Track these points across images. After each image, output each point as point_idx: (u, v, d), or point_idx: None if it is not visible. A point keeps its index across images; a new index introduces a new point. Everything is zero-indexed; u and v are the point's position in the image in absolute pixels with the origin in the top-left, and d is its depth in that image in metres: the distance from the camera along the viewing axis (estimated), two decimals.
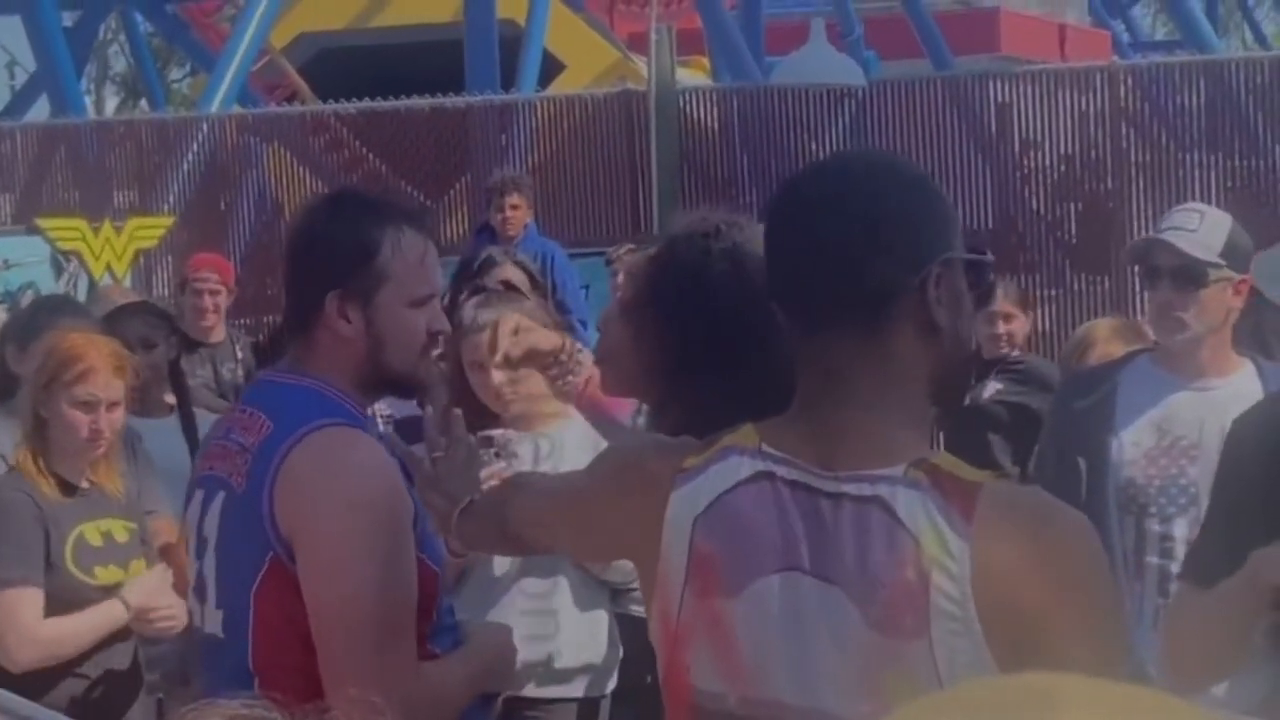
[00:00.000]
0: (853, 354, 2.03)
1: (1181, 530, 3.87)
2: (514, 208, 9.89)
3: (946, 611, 1.94)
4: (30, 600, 4.00)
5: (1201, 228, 3.88)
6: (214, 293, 7.47)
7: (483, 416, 4.11)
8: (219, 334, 7.50)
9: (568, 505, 2.36)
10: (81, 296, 9.27)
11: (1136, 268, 4.45)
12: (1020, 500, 2.08)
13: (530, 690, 4.21)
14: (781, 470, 2.05)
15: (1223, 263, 3.84)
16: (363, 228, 2.79)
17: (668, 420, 2.93)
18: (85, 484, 4.15)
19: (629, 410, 3.56)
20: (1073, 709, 0.70)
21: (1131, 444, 3.92)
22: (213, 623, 2.80)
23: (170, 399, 5.47)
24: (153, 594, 4.11)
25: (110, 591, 4.09)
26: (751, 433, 2.12)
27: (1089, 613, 1.97)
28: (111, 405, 4.12)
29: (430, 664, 2.76)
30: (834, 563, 2.00)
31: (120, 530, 4.17)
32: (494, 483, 2.86)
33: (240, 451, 2.75)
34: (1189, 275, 3.85)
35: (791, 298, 2.08)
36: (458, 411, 2.83)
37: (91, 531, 4.12)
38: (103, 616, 4.08)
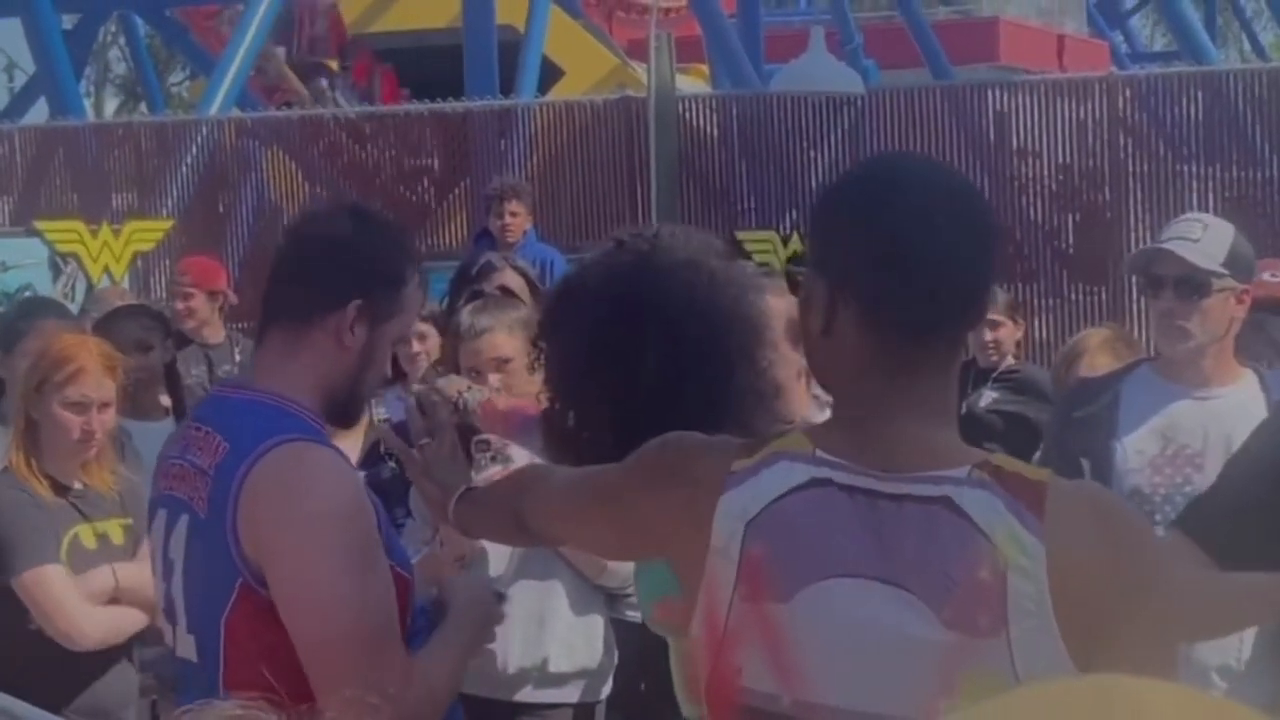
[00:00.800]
0: (935, 364, 2.07)
1: None
2: (513, 214, 9.90)
3: (1024, 609, 1.95)
4: (63, 579, 4.00)
5: (1204, 237, 3.88)
6: (188, 295, 7.52)
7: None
8: (218, 335, 7.51)
9: (595, 499, 2.32)
10: (79, 299, 9.29)
11: (1137, 278, 4.45)
12: (1087, 496, 2.11)
13: (525, 695, 4.20)
14: (838, 475, 2.05)
15: (1226, 272, 3.84)
16: (398, 254, 2.82)
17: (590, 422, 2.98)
18: (77, 485, 4.14)
19: (533, 411, 3.63)
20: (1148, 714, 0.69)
21: (1135, 452, 3.92)
22: (185, 647, 2.77)
23: (166, 401, 5.48)
24: None
25: (98, 597, 4.08)
26: (803, 439, 2.12)
27: (1157, 609, 2.01)
28: (103, 406, 4.12)
29: (420, 656, 2.74)
30: (901, 565, 2.00)
31: (116, 531, 4.16)
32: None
33: (198, 474, 2.71)
34: (1192, 285, 3.85)
35: (892, 307, 2.05)
36: (434, 397, 2.84)
37: (86, 534, 4.12)
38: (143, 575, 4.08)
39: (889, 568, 2.00)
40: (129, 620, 4.08)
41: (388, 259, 2.80)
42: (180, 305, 7.51)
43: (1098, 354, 5.03)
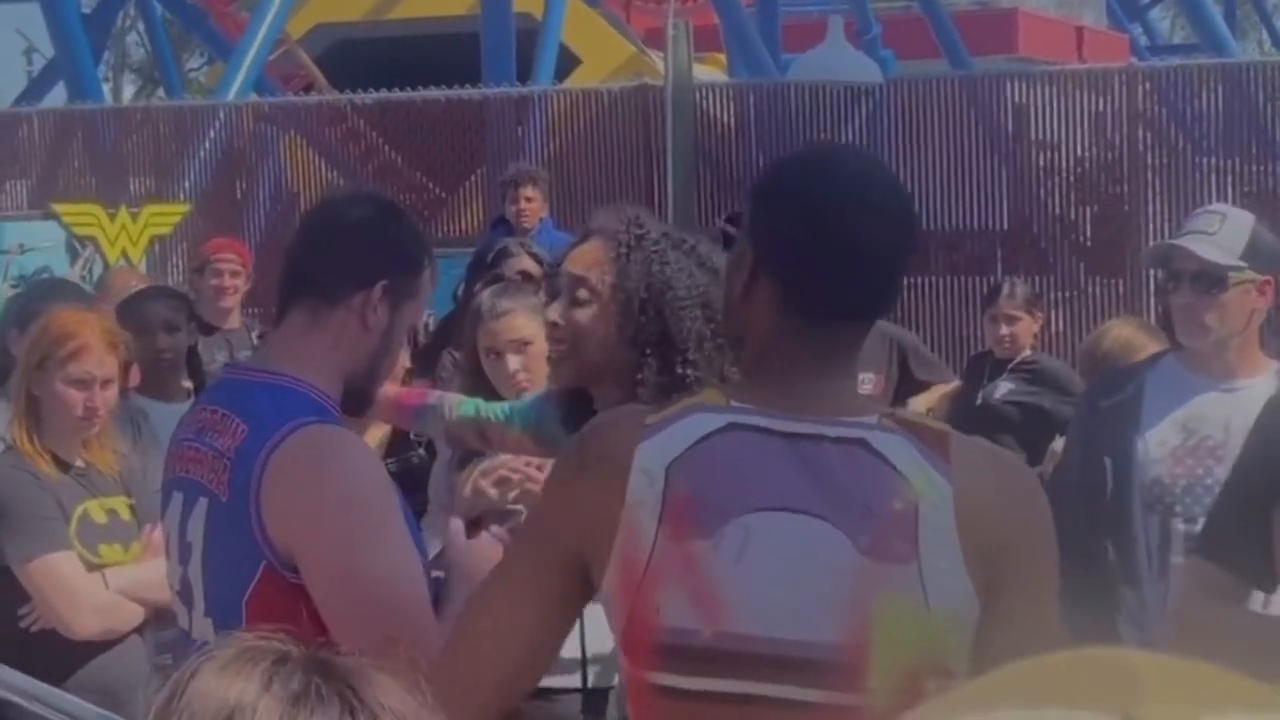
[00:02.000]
0: (845, 340, 2.23)
1: None
2: (529, 200, 9.90)
3: (933, 539, 2.11)
4: (73, 563, 4.00)
5: (1221, 230, 3.87)
6: (235, 273, 7.46)
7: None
8: (234, 320, 7.50)
9: (501, 575, 2.35)
10: (96, 282, 9.29)
11: (1156, 272, 4.45)
12: (987, 449, 2.29)
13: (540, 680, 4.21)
14: (755, 420, 2.17)
15: (1244, 265, 3.83)
16: (419, 240, 2.91)
17: (614, 403, 3.04)
18: (79, 463, 4.13)
19: (426, 399, 3.66)
20: (1155, 690, 0.70)
21: (1158, 443, 3.92)
22: (202, 630, 2.77)
23: (188, 384, 5.50)
24: None
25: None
26: (715, 393, 2.26)
27: (1045, 557, 2.21)
28: (105, 383, 4.11)
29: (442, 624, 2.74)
30: (819, 498, 2.12)
31: (123, 508, 4.16)
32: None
33: (217, 457, 2.71)
34: (1209, 280, 3.84)
35: (808, 292, 2.20)
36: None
37: (96, 509, 4.11)
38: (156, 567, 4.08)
39: (811, 501, 2.12)
40: (126, 615, 4.07)
41: (410, 244, 2.87)
42: (228, 282, 7.44)
43: (1129, 344, 5.03)
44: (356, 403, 2.87)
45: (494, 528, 2.97)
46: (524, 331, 4.27)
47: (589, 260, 3.12)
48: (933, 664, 2.11)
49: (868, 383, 6.68)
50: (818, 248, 2.17)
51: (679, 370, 3.02)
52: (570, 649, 4.16)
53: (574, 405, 3.22)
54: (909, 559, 2.10)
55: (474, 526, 2.99)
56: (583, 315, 3.09)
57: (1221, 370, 3.92)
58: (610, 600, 2.22)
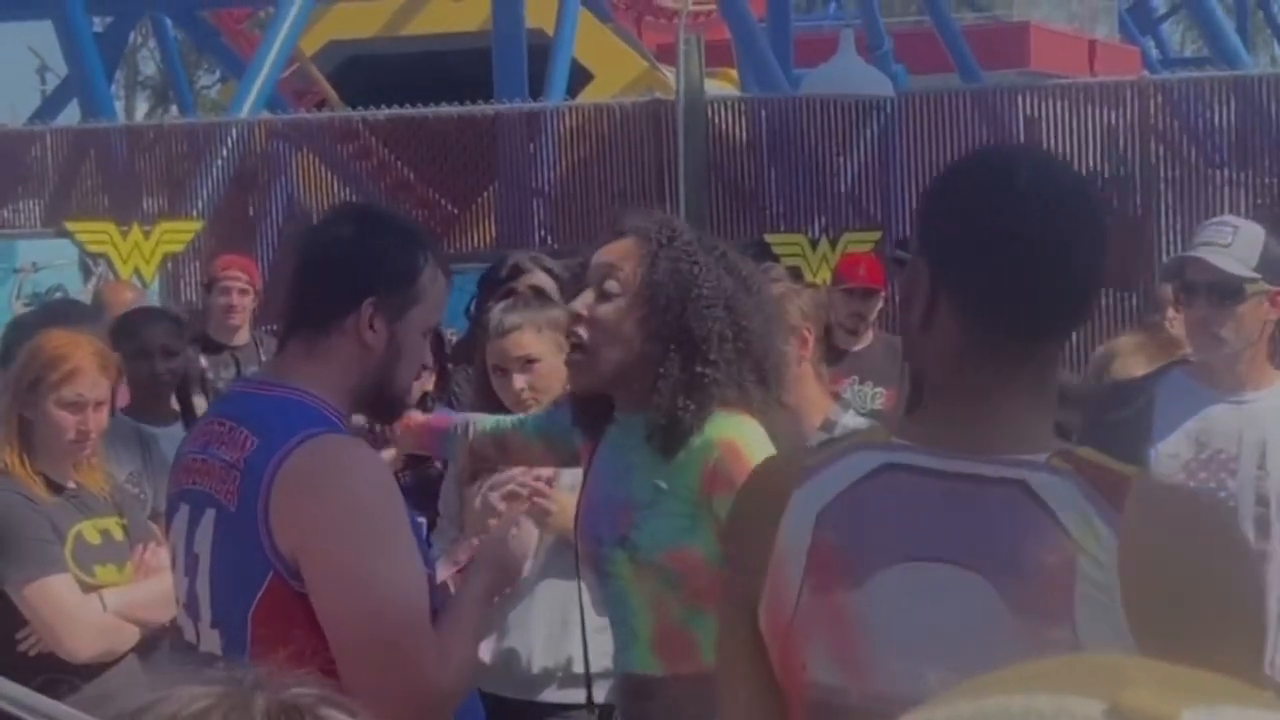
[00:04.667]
0: (1038, 360, 2.00)
1: None
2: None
3: (1093, 598, 1.90)
4: (68, 585, 3.99)
5: (1235, 242, 3.86)
6: (243, 291, 7.47)
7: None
8: (243, 336, 7.51)
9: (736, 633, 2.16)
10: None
11: (1170, 285, 4.43)
12: (1178, 494, 2.09)
13: (550, 695, 4.20)
14: (911, 459, 1.99)
15: (1258, 276, 3.83)
16: (408, 246, 2.84)
17: (633, 402, 3.08)
18: (71, 484, 4.12)
19: (449, 424, 3.69)
20: (1142, 684, 0.71)
21: (1169, 456, 3.90)
22: (209, 642, 2.77)
23: (175, 407, 5.51)
24: None
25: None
26: (880, 429, 2.10)
27: (1227, 604, 1.93)
28: (97, 405, 4.09)
29: (443, 633, 2.74)
30: (970, 546, 1.94)
31: (116, 528, 4.15)
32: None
33: (226, 468, 2.71)
34: (1224, 291, 3.83)
35: (998, 302, 1.97)
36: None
37: (89, 530, 4.10)
38: (162, 585, 4.06)
39: (960, 549, 1.94)
40: (124, 637, 4.06)
41: (397, 252, 2.82)
42: (235, 300, 7.46)
43: (1130, 358, 5.01)
44: (384, 412, 2.89)
45: (490, 494, 2.99)
46: (530, 349, 4.25)
47: (621, 253, 3.13)
48: None
49: (879, 397, 6.67)
50: (1003, 252, 1.96)
51: (698, 369, 3.03)
52: (580, 663, 4.16)
53: (590, 409, 3.22)
54: (1062, 619, 1.90)
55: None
56: (609, 309, 3.09)
57: (1231, 382, 3.91)
58: (768, 647, 2.09)
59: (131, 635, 4.07)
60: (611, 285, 3.10)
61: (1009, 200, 1.97)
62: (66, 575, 3.99)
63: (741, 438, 3.03)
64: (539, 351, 4.22)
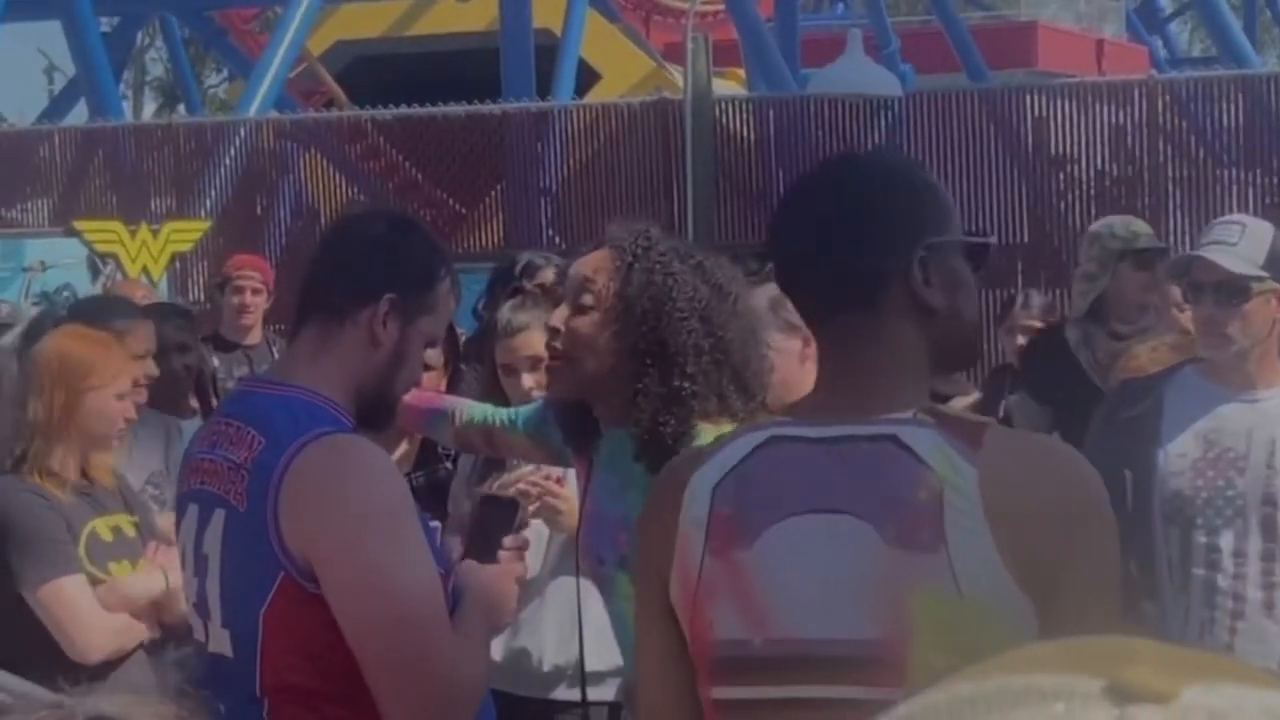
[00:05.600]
0: (855, 334, 2.22)
1: (1228, 542, 3.84)
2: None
3: (960, 525, 2.10)
4: (82, 587, 4.00)
5: (1242, 240, 3.86)
6: (256, 290, 7.48)
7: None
8: (256, 335, 7.51)
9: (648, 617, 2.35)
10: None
11: (1177, 283, 4.43)
12: (1031, 436, 2.36)
13: (560, 693, 4.20)
14: (792, 430, 2.21)
15: (1265, 275, 3.82)
16: (433, 256, 2.90)
17: (614, 416, 3.10)
18: (84, 481, 4.13)
19: (438, 405, 3.69)
20: (1143, 662, 0.72)
21: (1178, 455, 3.90)
22: (219, 642, 2.78)
23: (194, 403, 5.53)
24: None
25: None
26: (767, 414, 2.35)
27: (1097, 545, 2.15)
28: (120, 396, 4.16)
29: (459, 634, 2.75)
30: (848, 494, 2.15)
31: (127, 525, 4.16)
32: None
33: (234, 469, 2.72)
34: (1231, 290, 3.83)
35: (796, 287, 2.30)
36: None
37: (103, 527, 4.11)
38: (149, 582, 4.08)
39: (837, 498, 2.15)
40: (132, 636, 4.08)
41: (421, 258, 2.87)
42: (249, 299, 7.47)
43: (1143, 357, 5.01)
44: (374, 419, 2.87)
45: (506, 540, 2.97)
46: (539, 349, 4.24)
47: (595, 265, 3.14)
48: (974, 655, 2.04)
49: None
50: (787, 236, 2.28)
51: (676, 383, 3.02)
52: (595, 662, 4.17)
53: (571, 417, 3.22)
54: (936, 547, 2.09)
55: (484, 541, 2.98)
56: (584, 323, 3.09)
57: (1241, 381, 3.90)
58: (678, 617, 2.26)
59: (140, 632, 4.08)
60: (586, 299, 3.10)
61: (794, 194, 2.33)
62: (80, 576, 4.00)
63: None
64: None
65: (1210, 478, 3.89)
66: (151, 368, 4.16)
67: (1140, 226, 6.07)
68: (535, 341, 4.29)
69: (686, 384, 3.02)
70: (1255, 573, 3.84)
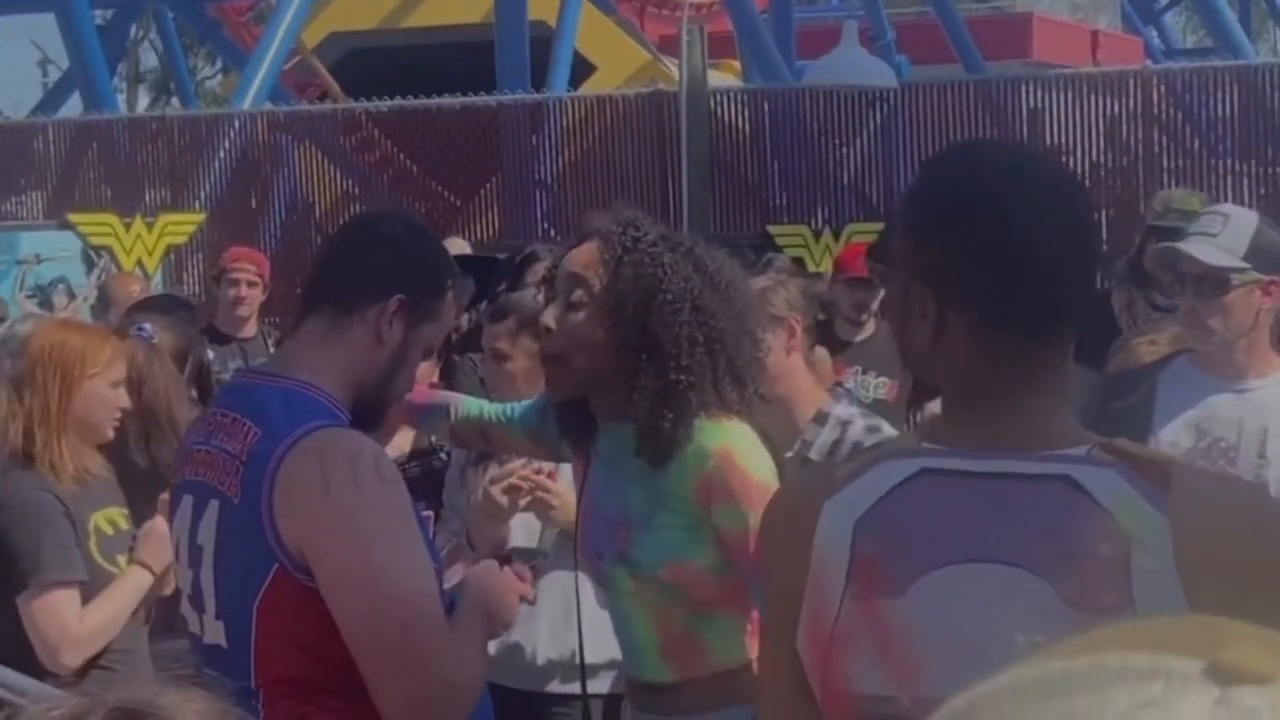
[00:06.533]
0: (1053, 357, 2.00)
1: None
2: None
3: (1149, 585, 1.87)
4: (73, 601, 4.00)
5: (1224, 232, 3.85)
6: (251, 283, 7.47)
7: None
8: (251, 328, 7.50)
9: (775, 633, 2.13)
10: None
11: (1162, 275, 4.43)
12: (1215, 473, 2.09)
13: (555, 686, 4.20)
14: (947, 463, 1.97)
15: (1247, 266, 3.81)
16: (446, 266, 2.94)
17: (612, 412, 3.07)
18: (82, 474, 4.12)
19: (432, 400, 3.68)
20: (1242, 644, 0.71)
21: (1170, 445, 3.90)
22: (214, 633, 2.78)
23: (193, 393, 5.51)
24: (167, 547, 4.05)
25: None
26: (910, 436, 2.11)
27: None
28: (115, 385, 4.15)
29: (455, 629, 2.76)
30: (1019, 544, 1.92)
31: (121, 518, 4.16)
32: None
33: (228, 460, 2.72)
34: (1211, 282, 3.82)
35: (1009, 313, 1.97)
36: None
37: (103, 520, 4.11)
38: (130, 590, 4.06)
39: (1006, 548, 1.92)
40: (109, 635, 4.07)
41: (434, 265, 2.90)
42: (244, 291, 7.46)
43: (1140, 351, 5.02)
44: (368, 418, 2.86)
45: (516, 564, 2.97)
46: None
47: (584, 261, 3.09)
48: None
49: (882, 387, 6.67)
50: (1003, 263, 1.95)
51: (672, 377, 3.00)
52: (590, 655, 4.17)
53: (569, 413, 3.21)
54: (1121, 609, 1.87)
55: (502, 564, 2.99)
56: (576, 320, 3.06)
57: (1232, 371, 3.90)
58: (804, 665, 2.05)
59: (117, 629, 4.07)
60: (579, 295, 3.07)
61: (996, 214, 1.96)
62: (73, 590, 3.99)
63: (735, 444, 3.02)
64: None
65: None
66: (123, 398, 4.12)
67: (1181, 201, 6.05)
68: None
69: (682, 377, 3.00)
70: None
